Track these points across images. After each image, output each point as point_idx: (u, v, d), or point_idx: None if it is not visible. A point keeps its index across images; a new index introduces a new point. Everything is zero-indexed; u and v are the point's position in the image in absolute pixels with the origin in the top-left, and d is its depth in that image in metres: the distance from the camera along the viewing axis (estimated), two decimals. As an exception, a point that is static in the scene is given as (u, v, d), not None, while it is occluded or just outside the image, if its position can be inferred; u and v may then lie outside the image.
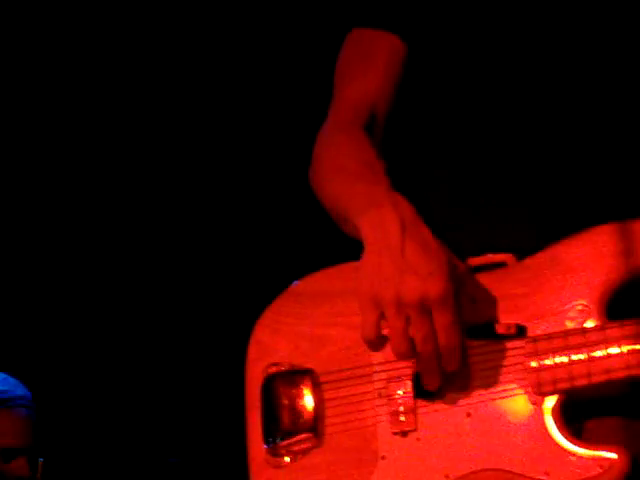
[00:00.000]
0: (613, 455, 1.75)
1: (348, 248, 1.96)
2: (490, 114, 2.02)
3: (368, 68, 2.07)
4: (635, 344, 1.78)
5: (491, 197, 2.00)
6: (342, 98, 2.10)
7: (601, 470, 1.75)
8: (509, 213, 1.98)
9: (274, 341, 2.01)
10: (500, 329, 1.84)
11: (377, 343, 1.83)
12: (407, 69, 2.06)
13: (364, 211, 1.87)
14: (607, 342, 1.80)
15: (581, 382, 1.81)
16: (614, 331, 1.80)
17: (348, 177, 1.97)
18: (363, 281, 1.82)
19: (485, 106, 2.02)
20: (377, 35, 2.06)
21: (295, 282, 2.04)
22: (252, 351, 2.02)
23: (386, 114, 2.07)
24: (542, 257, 1.89)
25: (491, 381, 1.85)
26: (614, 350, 1.79)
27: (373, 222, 1.84)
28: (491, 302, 1.87)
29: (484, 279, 1.89)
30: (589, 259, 1.85)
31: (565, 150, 1.97)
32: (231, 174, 3.39)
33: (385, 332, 1.81)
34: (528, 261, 1.90)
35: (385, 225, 1.82)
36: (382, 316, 1.81)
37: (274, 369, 1.98)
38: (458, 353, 1.80)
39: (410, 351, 1.80)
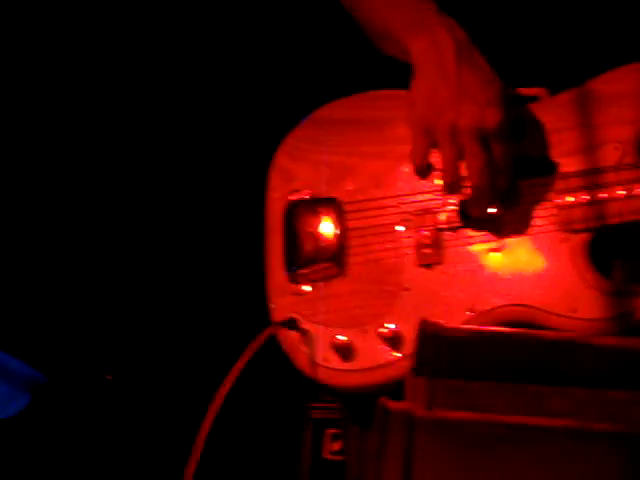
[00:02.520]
0: None
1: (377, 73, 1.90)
2: None
3: None
4: None
5: (522, 29, 1.92)
6: None
7: (632, 309, 1.72)
8: (541, 46, 1.91)
9: (295, 167, 1.94)
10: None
11: (425, 170, 1.81)
12: None
13: (415, 32, 1.81)
14: None
15: (612, 221, 1.77)
16: None
17: None
18: (415, 106, 1.79)
19: None
20: None
21: (316, 109, 1.95)
22: (273, 179, 1.95)
23: None
24: (577, 93, 1.82)
25: (520, 217, 1.80)
26: None
27: (426, 45, 1.79)
28: (530, 136, 1.81)
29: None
30: (626, 96, 1.79)
31: None
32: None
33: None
34: (562, 96, 1.83)
35: (440, 48, 1.78)
36: (433, 144, 1.78)
37: (295, 196, 1.91)
38: (504, 182, 1.77)
39: (458, 181, 1.78)
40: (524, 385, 1.62)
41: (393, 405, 1.61)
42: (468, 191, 1.79)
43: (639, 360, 1.64)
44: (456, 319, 1.78)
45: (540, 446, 1.59)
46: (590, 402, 1.62)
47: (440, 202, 1.83)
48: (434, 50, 1.78)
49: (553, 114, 1.82)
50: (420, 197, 1.84)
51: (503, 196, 1.79)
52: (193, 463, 1.69)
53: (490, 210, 1.80)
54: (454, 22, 1.80)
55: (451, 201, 1.83)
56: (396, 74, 1.87)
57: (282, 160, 1.94)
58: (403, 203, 1.85)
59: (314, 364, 1.83)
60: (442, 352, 1.67)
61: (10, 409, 2.88)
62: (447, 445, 1.58)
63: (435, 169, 1.83)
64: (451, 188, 1.80)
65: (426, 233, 1.82)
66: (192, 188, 3.08)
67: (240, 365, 1.73)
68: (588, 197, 1.76)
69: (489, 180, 1.76)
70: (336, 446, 2.67)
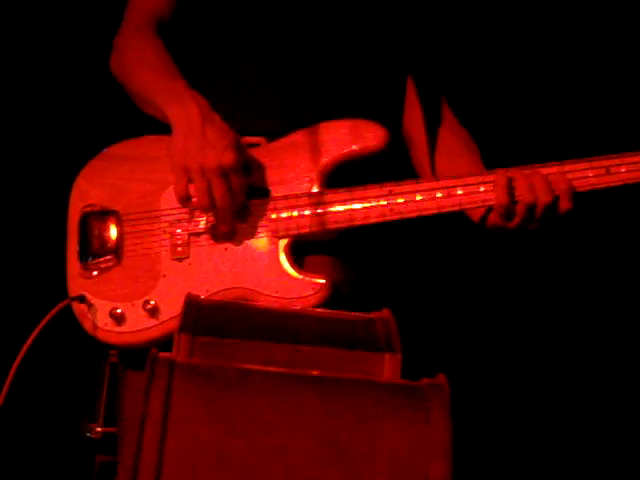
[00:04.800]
0: (322, 280, 2.30)
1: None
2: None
3: None
4: (346, 205, 2.33)
5: (250, 93, 2.48)
6: (136, 6, 2.54)
7: (313, 291, 2.29)
8: (263, 105, 2.46)
9: (89, 189, 2.44)
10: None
11: (186, 199, 2.31)
12: None
13: (171, 102, 2.31)
14: (324, 204, 2.33)
15: (304, 230, 2.34)
16: (329, 197, 2.34)
17: (153, 72, 2.41)
18: (174, 156, 2.28)
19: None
20: None
21: (107, 147, 2.48)
22: (73, 196, 2.45)
23: (169, 23, 2.54)
24: (284, 141, 2.39)
25: (245, 227, 2.35)
26: (329, 209, 2.33)
27: (179, 112, 2.29)
28: (253, 170, 2.36)
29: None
30: (314, 145, 2.35)
31: (310, 53, 2.44)
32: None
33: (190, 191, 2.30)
34: (275, 143, 2.39)
35: (189, 114, 2.28)
36: (190, 180, 2.28)
37: (89, 209, 2.43)
38: (238, 203, 2.31)
39: (210, 205, 2.28)
40: (258, 342, 1.98)
41: (160, 354, 1.90)
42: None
43: (337, 325, 2.11)
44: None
45: (265, 387, 1.88)
46: (303, 355, 1.97)
47: (191, 215, 2.36)
48: (185, 115, 2.27)
49: (269, 155, 2.38)
50: (177, 211, 2.37)
51: (237, 212, 2.33)
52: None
53: (229, 224, 2.33)
54: (198, 94, 2.31)
55: (199, 215, 2.35)
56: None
57: (80, 183, 2.45)
58: (164, 215, 2.38)
59: (96, 328, 2.35)
60: (201, 316, 2.04)
61: None
62: (198, 384, 1.86)
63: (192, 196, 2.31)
64: (204, 210, 2.32)
65: (178, 236, 2.35)
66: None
67: (40, 327, 2.28)
68: (288, 214, 2.33)
69: (229, 201, 2.28)
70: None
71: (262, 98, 2.48)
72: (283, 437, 1.78)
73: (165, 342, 2.30)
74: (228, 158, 2.25)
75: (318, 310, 2.23)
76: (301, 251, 2.39)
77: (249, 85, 2.50)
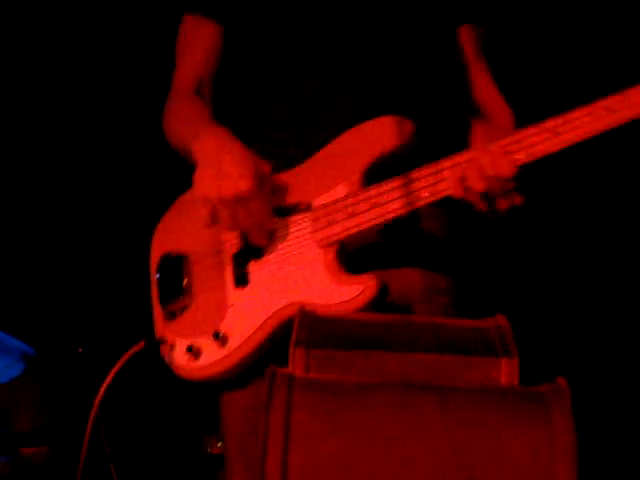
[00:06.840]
0: (367, 279, 2.25)
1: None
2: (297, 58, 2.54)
3: (194, 49, 2.66)
4: (376, 204, 2.28)
5: (284, 123, 2.53)
6: (179, 72, 2.69)
7: (357, 292, 2.25)
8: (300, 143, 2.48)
9: (165, 237, 2.60)
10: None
11: (211, 226, 2.35)
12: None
13: (193, 142, 2.39)
14: (357, 204, 2.29)
15: (345, 234, 2.31)
16: (362, 196, 2.29)
17: (188, 125, 2.53)
18: (196, 188, 2.35)
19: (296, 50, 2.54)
20: (199, 20, 2.65)
21: (179, 197, 2.62)
22: (153, 246, 2.62)
23: (212, 77, 2.65)
24: (316, 157, 2.40)
25: (290, 242, 2.37)
26: (364, 208, 2.29)
27: (198, 148, 2.37)
28: (290, 190, 2.40)
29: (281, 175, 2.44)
30: (345, 151, 2.35)
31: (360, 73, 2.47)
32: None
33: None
34: (307, 162, 2.41)
35: (204, 147, 2.36)
36: (214, 209, 2.32)
37: (165, 256, 2.57)
38: (267, 224, 2.36)
39: (235, 228, 2.34)
40: (373, 352, 1.93)
41: (278, 369, 1.88)
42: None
43: (450, 332, 2.03)
44: (262, 318, 2.35)
45: (384, 398, 1.84)
46: (417, 364, 1.91)
47: (244, 242, 2.41)
48: (201, 148, 2.34)
49: (304, 172, 2.39)
50: (234, 241, 2.44)
51: (270, 233, 2.36)
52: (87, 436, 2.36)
53: (262, 240, 2.37)
54: (219, 126, 2.40)
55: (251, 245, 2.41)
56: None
57: (158, 233, 2.62)
58: (224, 250, 2.46)
59: (177, 367, 2.46)
60: (314, 329, 2.01)
61: (9, 375, 3.46)
62: (317, 398, 1.84)
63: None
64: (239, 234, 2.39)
65: (239, 264, 2.42)
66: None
67: (115, 370, 2.40)
68: (328, 222, 2.32)
69: (252, 223, 2.32)
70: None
71: (300, 134, 2.51)
72: (406, 449, 1.77)
73: (240, 371, 2.42)
74: (244, 185, 2.27)
75: (430, 318, 2.16)
76: (348, 256, 2.35)
77: (287, 124, 2.55)
